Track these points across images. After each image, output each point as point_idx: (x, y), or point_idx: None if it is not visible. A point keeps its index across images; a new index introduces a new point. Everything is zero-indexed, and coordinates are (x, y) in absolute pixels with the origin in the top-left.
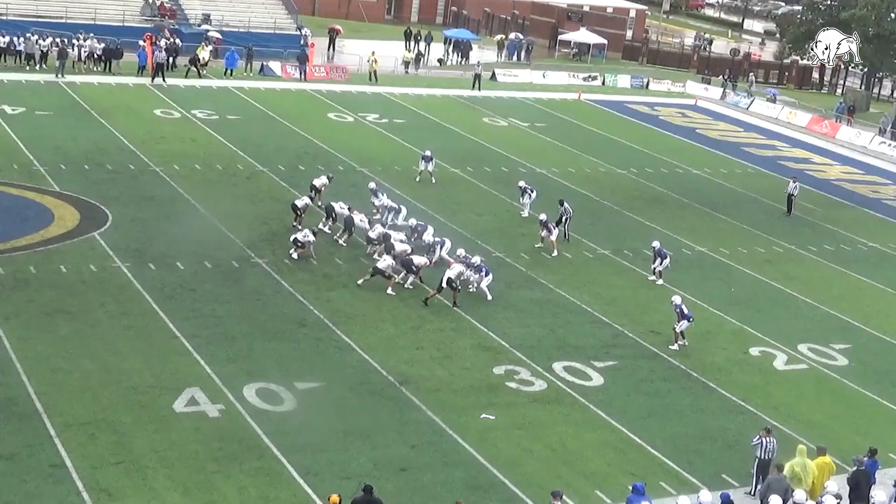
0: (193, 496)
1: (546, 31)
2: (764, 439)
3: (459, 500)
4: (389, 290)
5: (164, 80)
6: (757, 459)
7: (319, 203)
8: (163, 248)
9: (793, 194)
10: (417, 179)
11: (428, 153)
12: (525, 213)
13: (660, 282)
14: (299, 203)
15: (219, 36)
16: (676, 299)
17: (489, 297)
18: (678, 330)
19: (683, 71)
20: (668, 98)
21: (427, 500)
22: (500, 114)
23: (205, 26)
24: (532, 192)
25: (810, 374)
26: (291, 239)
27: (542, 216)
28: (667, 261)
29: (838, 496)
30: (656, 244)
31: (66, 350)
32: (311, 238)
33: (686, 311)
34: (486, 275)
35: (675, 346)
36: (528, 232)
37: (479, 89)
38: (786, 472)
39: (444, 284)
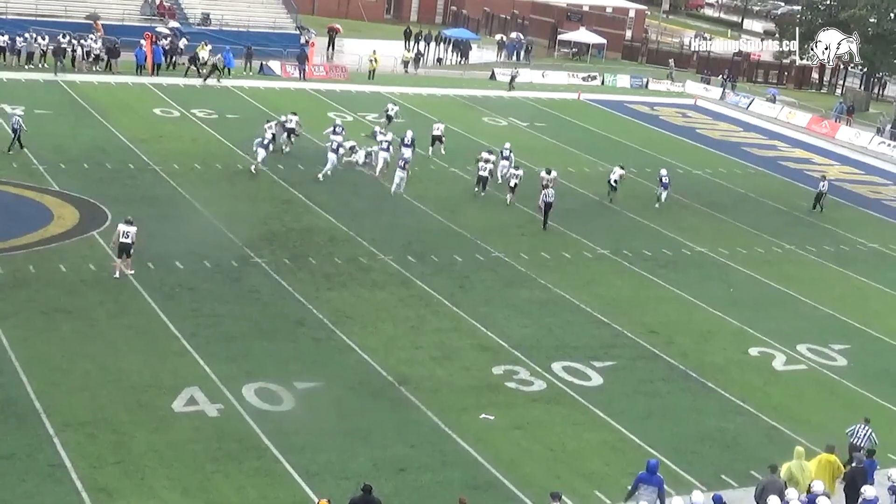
0: (192, 496)
1: (546, 31)
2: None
3: (463, 496)
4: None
5: (158, 73)
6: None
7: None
8: (162, 247)
9: (823, 192)
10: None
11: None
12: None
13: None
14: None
15: (168, 32)
16: (663, 171)
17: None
18: (661, 198)
19: (683, 71)
20: (667, 98)
21: (426, 501)
22: (499, 113)
23: (173, 23)
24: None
25: (809, 375)
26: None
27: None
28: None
29: (827, 495)
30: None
31: (66, 350)
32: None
33: (665, 182)
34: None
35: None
36: (528, 232)
37: (513, 90)
38: (782, 474)
39: (612, 184)
